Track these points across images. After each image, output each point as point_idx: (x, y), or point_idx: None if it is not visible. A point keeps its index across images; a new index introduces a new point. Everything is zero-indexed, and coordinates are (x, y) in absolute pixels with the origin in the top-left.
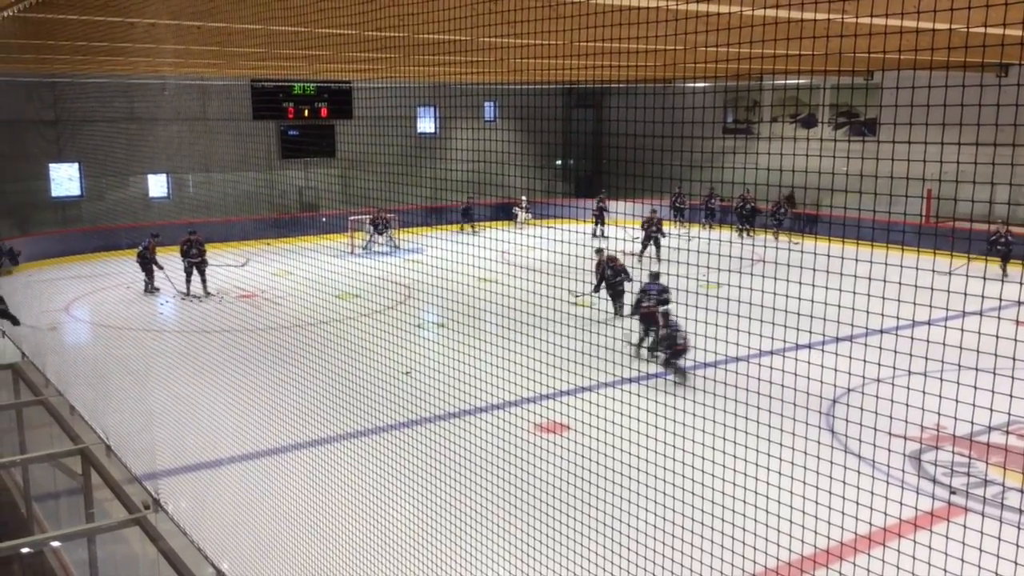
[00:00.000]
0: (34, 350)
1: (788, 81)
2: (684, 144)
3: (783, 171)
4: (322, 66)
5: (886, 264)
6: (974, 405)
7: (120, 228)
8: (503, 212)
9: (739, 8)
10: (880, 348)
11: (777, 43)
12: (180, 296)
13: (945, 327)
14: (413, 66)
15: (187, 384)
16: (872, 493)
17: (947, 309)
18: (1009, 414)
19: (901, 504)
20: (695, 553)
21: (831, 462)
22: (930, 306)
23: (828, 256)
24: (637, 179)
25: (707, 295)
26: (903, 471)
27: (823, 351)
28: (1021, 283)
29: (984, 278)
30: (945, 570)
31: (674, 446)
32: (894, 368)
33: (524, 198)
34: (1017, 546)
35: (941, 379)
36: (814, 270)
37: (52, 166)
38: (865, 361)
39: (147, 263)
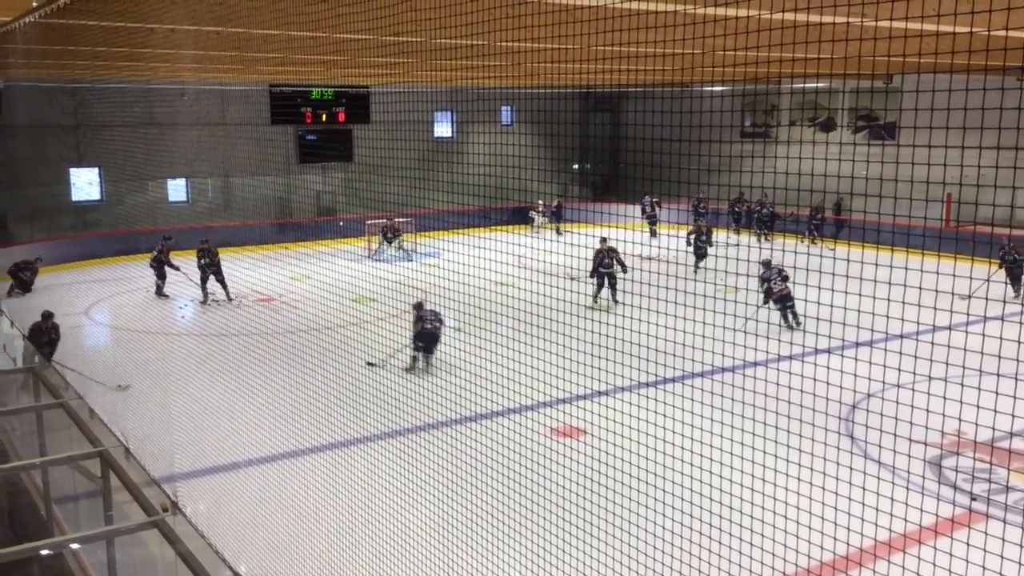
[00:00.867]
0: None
1: (806, 84)
2: (702, 148)
3: (801, 175)
4: (340, 71)
5: (906, 268)
6: (995, 410)
7: (139, 232)
8: (519, 216)
9: (757, 12)
10: (900, 353)
11: (796, 46)
12: (198, 303)
13: (966, 331)
14: (430, 70)
15: (206, 387)
16: (892, 499)
17: (968, 314)
18: None
19: (921, 511)
20: (713, 559)
21: (851, 468)
22: (951, 311)
23: (848, 260)
24: (655, 183)
25: (725, 300)
26: (923, 477)
27: (843, 356)
28: None
29: (1005, 283)
30: None
31: (692, 451)
32: (914, 373)
33: (540, 202)
34: None
35: (962, 384)
36: (833, 275)
37: (72, 170)
38: (885, 366)
39: (160, 267)
